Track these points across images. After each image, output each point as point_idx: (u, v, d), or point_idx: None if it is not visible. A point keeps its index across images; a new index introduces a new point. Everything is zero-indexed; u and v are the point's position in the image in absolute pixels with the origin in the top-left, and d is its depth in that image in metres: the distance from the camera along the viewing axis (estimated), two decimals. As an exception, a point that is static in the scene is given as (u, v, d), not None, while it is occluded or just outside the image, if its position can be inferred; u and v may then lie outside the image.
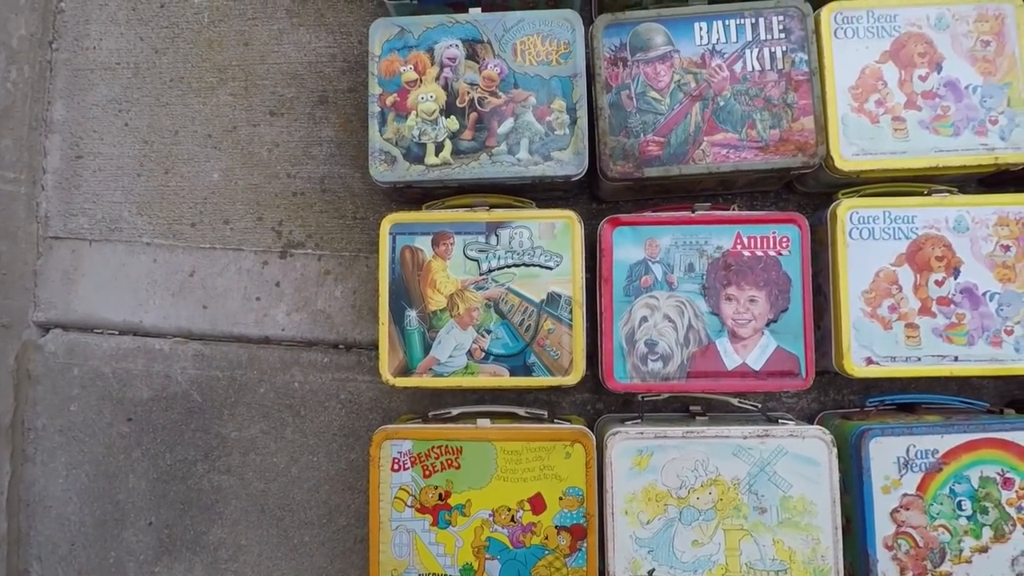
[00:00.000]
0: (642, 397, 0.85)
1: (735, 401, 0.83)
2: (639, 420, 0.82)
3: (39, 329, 1.02)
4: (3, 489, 0.97)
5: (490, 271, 0.81)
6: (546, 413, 0.85)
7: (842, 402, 0.91)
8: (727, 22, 0.82)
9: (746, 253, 0.80)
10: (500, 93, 0.83)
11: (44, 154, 1.02)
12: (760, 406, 0.84)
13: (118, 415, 0.99)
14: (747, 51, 0.81)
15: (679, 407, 0.90)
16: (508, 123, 0.82)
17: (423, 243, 0.83)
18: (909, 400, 0.85)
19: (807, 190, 0.91)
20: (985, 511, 0.77)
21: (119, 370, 0.99)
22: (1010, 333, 0.79)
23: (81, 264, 1.01)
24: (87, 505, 0.98)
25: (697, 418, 0.85)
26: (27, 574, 0.98)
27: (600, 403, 0.93)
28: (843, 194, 0.83)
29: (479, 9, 0.84)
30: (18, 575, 0.98)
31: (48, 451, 0.99)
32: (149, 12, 1.03)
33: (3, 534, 0.97)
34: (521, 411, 0.85)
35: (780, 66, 0.81)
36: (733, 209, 0.84)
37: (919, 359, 0.79)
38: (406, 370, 0.82)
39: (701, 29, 0.82)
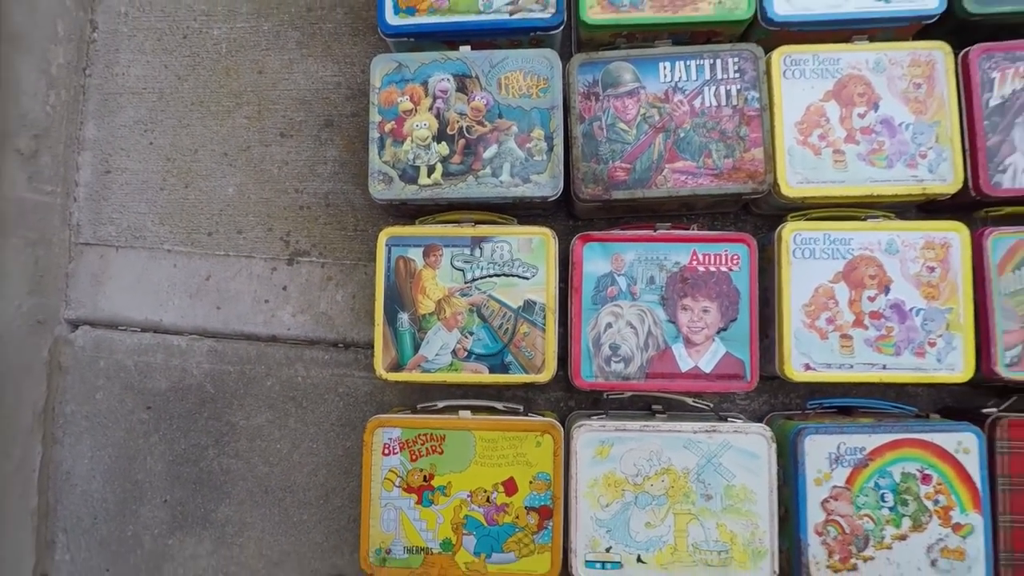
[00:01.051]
0: (607, 395, 0.96)
1: (690, 401, 0.93)
2: (604, 415, 0.92)
3: (69, 326, 1.12)
4: (35, 467, 1.08)
5: (474, 280, 0.92)
6: (522, 407, 0.95)
7: (789, 405, 1.01)
8: (688, 62, 0.92)
9: (701, 268, 0.90)
10: (486, 122, 0.93)
11: (77, 169, 1.13)
12: (712, 406, 0.94)
13: (138, 403, 1.09)
14: (706, 88, 0.91)
15: (642, 406, 1.00)
16: (492, 149, 0.92)
17: (415, 254, 0.93)
18: (846, 404, 0.94)
19: (761, 212, 1.00)
20: (905, 503, 0.86)
21: (140, 363, 1.10)
22: (933, 345, 0.88)
23: (108, 268, 1.12)
24: (109, 483, 1.08)
25: (656, 415, 0.95)
26: (54, 544, 1.09)
27: (572, 401, 1.03)
28: (791, 217, 0.93)
29: (469, 47, 0.95)
30: (46, 545, 1.09)
31: (75, 435, 1.10)
32: (173, 42, 1.13)
33: (34, 508, 1.08)
34: (500, 405, 0.95)
35: (734, 102, 0.91)
36: (693, 229, 0.94)
37: (852, 366, 0.89)
38: (397, 366, 0.92)
39: (665, 68, 0.92)
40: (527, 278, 0.91)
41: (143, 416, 1.09)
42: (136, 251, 1.12)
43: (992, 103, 0.89)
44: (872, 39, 0.92)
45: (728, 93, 0.91)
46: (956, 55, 0.91)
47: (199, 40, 1.14)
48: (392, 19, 0.95)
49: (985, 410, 0.91)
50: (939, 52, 0.91)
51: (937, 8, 0.90)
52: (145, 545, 1.08)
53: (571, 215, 1.04)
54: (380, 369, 0.92)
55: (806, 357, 0.89)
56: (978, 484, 0.86)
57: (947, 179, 0.89)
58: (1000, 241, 0.88)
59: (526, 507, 0.89)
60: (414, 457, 0.90)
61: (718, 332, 0.90)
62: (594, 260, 0.91)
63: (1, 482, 1.02)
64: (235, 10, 1.13)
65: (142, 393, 1.09)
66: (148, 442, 1.08)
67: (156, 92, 1.13)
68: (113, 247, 1.12)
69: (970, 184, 0.89)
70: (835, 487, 0.87)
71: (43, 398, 1.09)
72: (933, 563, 0.86)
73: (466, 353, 0.91)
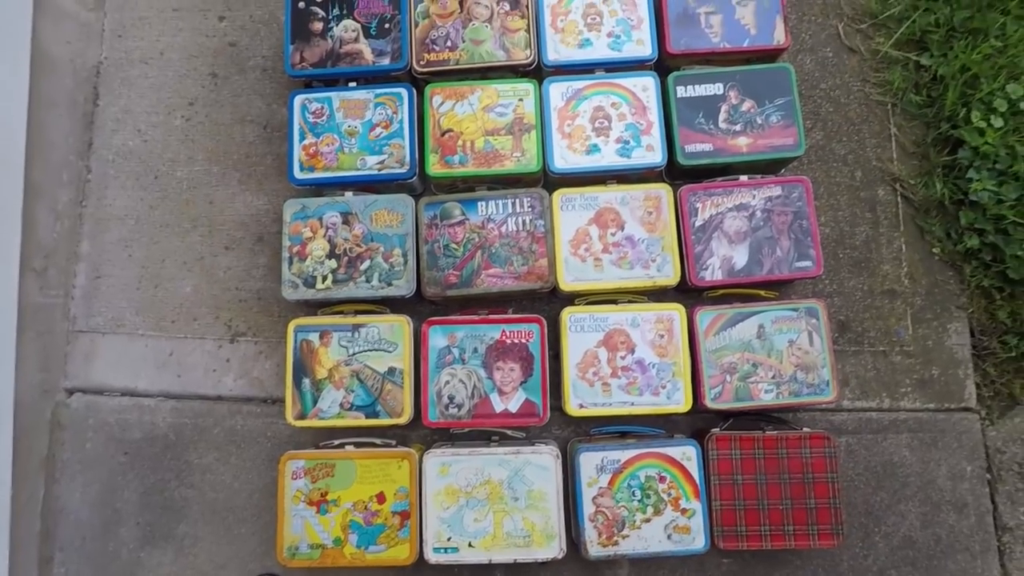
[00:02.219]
0: (452, 431, 1.36)
1: (509, 432, 1.33)
2: (447, 444, 1.32)
3: (67, 393, 1.50)
4: (39, 500, 1.44)
5: (354, 354, 1.32)
6: (394, 442, 1.35)
7: (588, 432, 1.41)
8: (498, 201, 1.36)
9: (508, 341, 1.32)
10: (362, 244, 1.35)
11: (75, 276, 1.53)
12: (527, 435, 1.34)
13: (118, 450, 1.47)
14: (509, 218, 1.35)
15: (485, 437, 1.39)
16: (367, 263, 1.35)
17: (314, 337, 1.34)
18: (619, 430, 1.35)
19: (560, 297, 1.43)
20: (649, 496, 1.26)
21: (120, 420, 1.48)
22: (664, 388, 1.30)
23: (97, 349, 1.51)
24: (95, 511, 1.45)
25: (491, 443, 1.34)
26: (51, 560, 1.44)
27: (436, 436, 1.43)
28: (577, 300, 1.35)
29: (351, 193, 1.38)
30: (45, 561, 1.44)
31: (70, 475, 1.46)
32: (147, 181, 1.56)
33: (37, 531, 1.43)
34: (379, 441, 1.34)
35: (528, 228, 1.34)
36: (510, 312, 1.36)
37: (610, 404, 1.29)
38: (302, 416, 1.31)
39: (482, 205, 1.36)
40: (390, 351, 1.32)
41: (121, 459, 1.46)
42: (118, 336, 1.51)
43: (697, 224, 1.34)
44: (620, 182, 1.37)
45: (524, 221, 1.35)
46: (675, 191, 1.36)
47: (166, 179, 1.56)
48: (299, 174, 1.38)
49: (713, 430, 1.33)
50: (663, 190, 1.36)
51: (661, 162, 1.36)
52: (123, 557, 1.43)
53: (431, 303, 1.46)
54: (290, 418, 1.31)
55: (580, 399, 1.30)
56: (698, 481, 1.27)
57: (670, 275, 1.33)
58: (705, 315, 1.31)
59: (392, 511, 1.27)
60: (314, 480, 1.29)
61: (521, 384, 1.31)
62: (436, 337, 1.32)
63: (15, 512, 1.37)
64: (193, 158, 1.56)
65: (121, 442, 1.47)
66: (125, 478, 1.45)
67: (134, 218, 1.55)
68: (101, 333, 1.51)
69: (686, 278, 1.33)
70: (601, 487, 1.27)
71: (46, 448, 1.47)
72: (669, 537, 1.26)
73: (349, 405, 1.31)
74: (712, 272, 1.32)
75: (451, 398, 1.30)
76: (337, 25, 1.41)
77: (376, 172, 1.37)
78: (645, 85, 1.39)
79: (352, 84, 1.41)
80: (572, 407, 1.30)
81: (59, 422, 1.48)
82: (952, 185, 1.46)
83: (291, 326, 1.34)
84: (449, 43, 1.41)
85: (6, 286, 1.35)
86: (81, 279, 1.53)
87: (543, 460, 1.27)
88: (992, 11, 1.48)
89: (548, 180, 1.40)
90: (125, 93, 1.58)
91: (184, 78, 1.58)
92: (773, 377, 1.30)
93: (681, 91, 1.38)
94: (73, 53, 1.53)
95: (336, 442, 1.34)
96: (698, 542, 1.26)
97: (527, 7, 1.41)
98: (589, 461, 1.28)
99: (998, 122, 1.42)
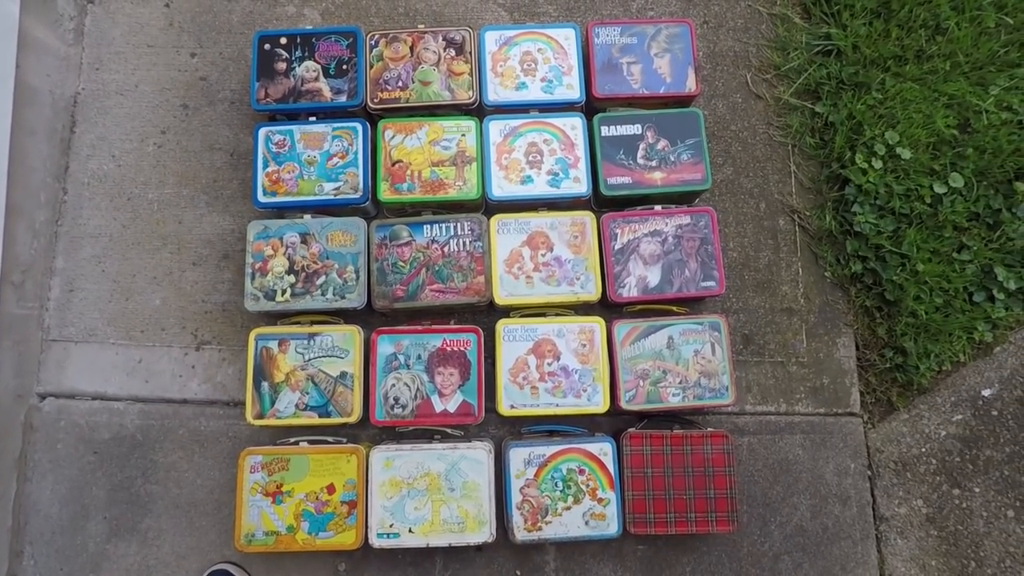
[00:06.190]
0: (397, 430, 1.51)
1: (448, 430, 1.49)
2: (393, 441, 1.47)
3: (39, 397, 1.61)
4: (11, 498, 1.54)
5: (309, 359, 1.47)
6: (345, 440, 1.49)
7: (520, 430, 1.57)
8: (441, 225, 1.53)
9: (448, 348, 1.48)
10: (319, 262, 1.51)
11: (49, 289, 1.65)
12: (464, 433, 1.50)
13: (88, 449, 1.58)
14: (451, 240, 1.52)
15: (429, 435, 1.54)
16: (322, 278, 1.50)
17: (273, 344, 1.48)
18: (547, 428, 1.52)
19: (495, 311, 1.60)
20: (569, 487, 1.43)
21: (90, 421, 1.59)
22: (585, 391, 1.47)
23: (69, 356, 1.62)
24: (64, 507, 1.56)
25: (434, 440, 1.50)
26: (22, 553, 1.54)
27: (383, 435, 1.58)
28: (511, 313, 1.52)
29: (309, 215, 1.54)
30: (16, 554, 1.54)
31: (41, 473, 1.57)
32: (120, 202, 1.69)
33: (9, 527, 1.54)
34: (330, 439, 1.49)
35: (468, 248, 1.51)
36: (452, 322, 1.52)
37: (538, 405, 1.46)
38: (261, 416, 1.45)
39: (428, 228, 1.52)
40: (342, 358, 1.47)
41: (91, 458, 1.58)
42: (89, 344, 1.63)
43: (616, 247, 1.52)
44: (550, 209, 1.55)
45: (464, 243, 1.52)
46: (598, 218, 1.54)
47: (139, 201, 1.69)
48: (262, 198, 1.53)
49: (629, 429, 1.50)
50: (587, 218, 1.54)
51: (587, 192, 1.54)
52: (90, 550, 1.54)
53: (380, 315, 1.61)
54: (249, 418, 1.45)
55: (511, 400, 1.46)
56: (613, 474, 1.44)
57: (592, 292, 1.51)
58: (622, 327, 1.49)
59: (341, 501, 1.42)
60: (270, 473, 1.43)
61: (459, 387, 1.47)
62: (384, 345, 1.48)
63: (-13, 508, 1.48)
64: (164, 181, 1.70)
65: (90, 442, 1.58)
66: (94, 476, 1.57)
67: (107, 236, 1.68)
68: (73, 342, 1.63)
69: (606, 295, 1.51)
70: (527, 479, 1.43)
71: (19, 448, 1.57)
72: (586, 523, 1.42)
73: (304, 406, 1.45)
74: (629, 290, 1.51)
75: (396, 399, 1.46)
76: (299, 65, 1.58)
77: (332, 197, 1.53)
78: (573, 124, 1.58)
79: (312, 119, 1.58)
80: (504, 408, 1.46)
81: (31, 424, 1.59)
82: (840, 217, 1.68)
83: (252, 335, 1.48)
84: (400, 83, 1.58)
85: (-14, 297, 1.47)
86: (56, 292, 1.65)
87: (477, 455, 1.43)
88: (874, 68, 1.71)
89: (487, 206, 1.58)
90: (101, 121, 1.72)
91: (157, 108, 1.72)
92: (680, 382, 1.48)
93: (605, 130, 1.57)
94: (53, 84, 1.66)
95: (292, 440, 1.48)
96: (612, 528, 1.42)
97: (470, 53, 1.60)
98: (518, 456, 1.44)
99: (878, 164, 1.65)
